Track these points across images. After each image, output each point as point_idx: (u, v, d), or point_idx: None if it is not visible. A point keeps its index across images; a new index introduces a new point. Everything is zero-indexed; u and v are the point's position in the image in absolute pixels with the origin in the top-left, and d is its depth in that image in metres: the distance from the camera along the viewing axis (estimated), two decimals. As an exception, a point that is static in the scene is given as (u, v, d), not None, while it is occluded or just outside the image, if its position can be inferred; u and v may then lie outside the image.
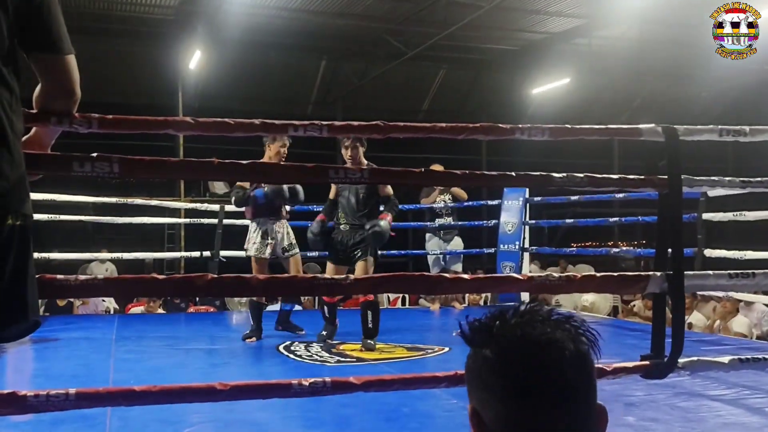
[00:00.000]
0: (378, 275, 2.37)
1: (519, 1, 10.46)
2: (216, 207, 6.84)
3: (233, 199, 5.03)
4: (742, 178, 2.90)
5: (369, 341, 4.61)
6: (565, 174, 2.49)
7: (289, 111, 13.33)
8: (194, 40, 11.10)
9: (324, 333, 4.90)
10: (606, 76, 13.92)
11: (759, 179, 2.89)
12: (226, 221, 6.68)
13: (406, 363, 4.35)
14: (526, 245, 7.08)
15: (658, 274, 2.53)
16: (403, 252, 8.36)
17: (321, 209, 5.02)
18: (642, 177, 2.66)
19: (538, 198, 7.23)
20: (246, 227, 5.18)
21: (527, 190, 7.00)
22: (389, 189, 4.78)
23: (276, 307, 5.72)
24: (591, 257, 12.00)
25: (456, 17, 10.27)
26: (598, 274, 2.71)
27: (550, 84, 13.17)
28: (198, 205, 7.59)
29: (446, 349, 4.61)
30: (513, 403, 0.83)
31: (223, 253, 6.51)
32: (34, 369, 4.24)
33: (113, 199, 6.69)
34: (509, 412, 0.83)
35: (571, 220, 8.30)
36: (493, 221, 7.42)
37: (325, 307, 4.96)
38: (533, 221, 7.42)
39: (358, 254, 4.67)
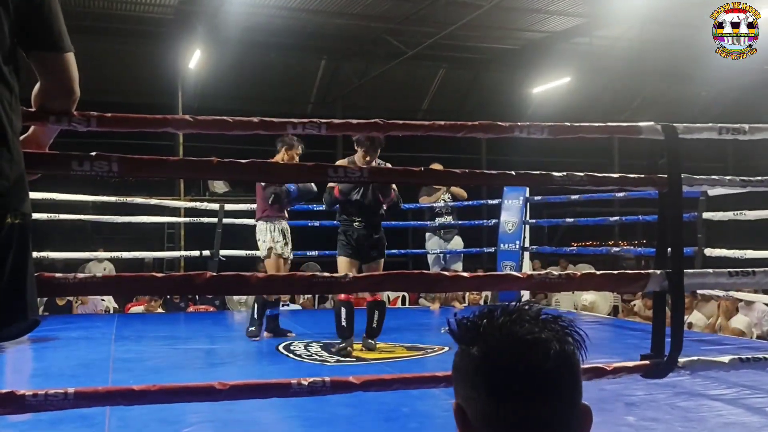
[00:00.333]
0: (377, 273, 2.37)
1: (519, 0, 10.45)
2: (216, 206, 6.84)
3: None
4: (742, 177, 2.90)
5: (370, 341, 4.61)
6: (565, 173, 2.49)
7: (288, 110, 13.31)
8: (194, 39, 11.09)
9: (343, 345, 4.52)
10: (606, 76, 13.92)
11: (759, 178, 2.89)
12: (225, 220, 6.68)
13: (405, 362, 4.35)
14: (527, 244, 7.08)
15: (658, 272, 2.53)
16: (403, 251, 8.37)
17: (321, 208, 5.00)
18: (642, 176, 2.65)
19: (539, 197, 7.23)
20: (246, 227, 5.20)
21: (527, 189, 7.00)
22: (395, 188, 4.77)
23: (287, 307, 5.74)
24: (591, 256, 11.99)
25: (456, 16, 10.27)
26: (597, 273, 2.71)
27: (550, 83, 13.16)
28: (198, 205, 7.59)
29: (446, 348, 4.61)
30: (497, 401, 0.84)
31: (222, 252, 6.52)
32: (33, 368, 4.24)
33: (113, 198, 6.68)
34: (493, 409, 0.84)
35: (572, 219, 8.28)
36: (494, 220, 7.42)
37: (344, 318, 4.53)
38: (533, 220, 7.42)
39: (375, 254, 4.63)
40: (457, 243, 7.21)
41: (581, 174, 2.51)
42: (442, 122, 2.42)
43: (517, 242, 6.97)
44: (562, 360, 0.85)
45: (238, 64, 12.45)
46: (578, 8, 10.88)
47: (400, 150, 9.10)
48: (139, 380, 2.92)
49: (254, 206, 5.33)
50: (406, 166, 2.46)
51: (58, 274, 2.00)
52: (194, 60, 11.54)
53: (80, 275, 2.03)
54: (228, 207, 6.79)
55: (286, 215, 5.14)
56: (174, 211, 8.90)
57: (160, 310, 7.37)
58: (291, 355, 4.44)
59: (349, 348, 4.50)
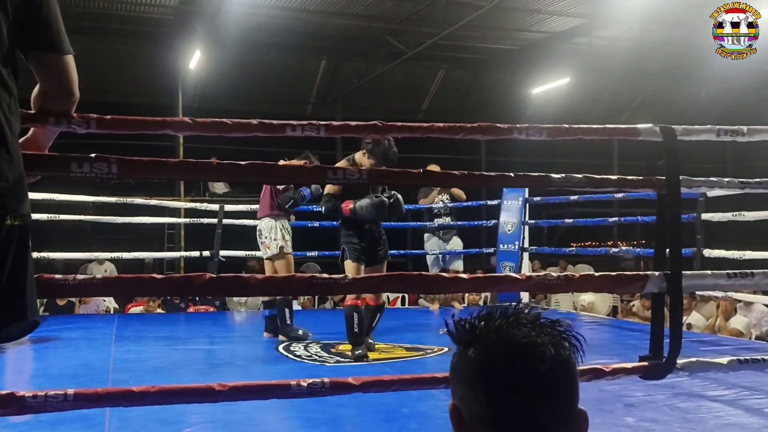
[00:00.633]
0: (376, 275, 2.37)
1: (518, 0, 10.46)
2: (215, 207, 6.84)
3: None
4: (740, 179, 2.90)
5: (370, 341, 4.61)
6: (563, 174, 2.49)
7: (288, 111, 13.34)
8: (194, 40, 11.09)
9: (359, 351, 4.32)
10: (606, 76, 13.91)
11: (758, 180, 2.89)
12: (225, 221, 6.68)
13: (405, 363, 4.36)
14: (526, 245, 7.08)
15: (657, 273, 2.53)
16: (402, 252, 8.36)
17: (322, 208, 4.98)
18: (640, 178, 2.65)
19: (538, 198, 7.23)
20: (246, 227, 5.20)
21: (527, 190, 7.00)
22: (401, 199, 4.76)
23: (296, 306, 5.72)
24: (590, 257, 12.00)
25: (455, 17, 10.27)
26: (596, 274, 2.71)
27: (550, 84, 13.16)
28: (198, 205, 7.59)
29: (445, 349, 4.61)
30: (492, 403, 0.85)
31: (222, 252, 6.52)
32: (34, 369, 4.24)
33: (113, 199, 6.69)
34: (488, 411, 0.85)
35: (571, 220, 8.29)
36: (493, 221, 7.42)
37: (356, 324, 4.36)
38: (533, 221, 7.42)
39: (381, 254, 4.61)
40: (455, 243, 7.22)
41: (580, 175, 2.51)
42: (441, 124, 2.42)
43: (517, 243, 6.98)
44: (558, 363, 0.86)
45: (238, 65, 12.45)
46: (578, 8, 10.88)
47: (400, 151, 9.08)
48: (139, 381, 2.92)
49: (254, 207, 5.33)
50: (405, 168, 2.47)
51: (58, 276, 2.00)
52: (194, 60, 11.54)
53: (80, 276, 2.04)
54: (228, 207, 6.79)
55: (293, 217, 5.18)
56: (174, 212, 8.90)
57: (159, 310, 7.37)
58: (290, 356, 4.44)
59: (367, 352, 4.34)
